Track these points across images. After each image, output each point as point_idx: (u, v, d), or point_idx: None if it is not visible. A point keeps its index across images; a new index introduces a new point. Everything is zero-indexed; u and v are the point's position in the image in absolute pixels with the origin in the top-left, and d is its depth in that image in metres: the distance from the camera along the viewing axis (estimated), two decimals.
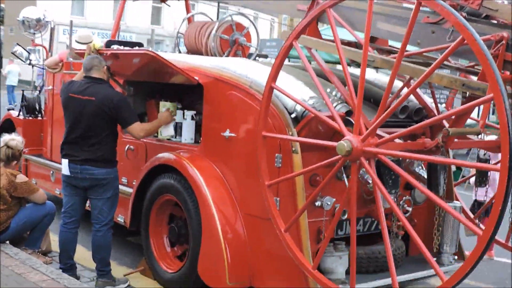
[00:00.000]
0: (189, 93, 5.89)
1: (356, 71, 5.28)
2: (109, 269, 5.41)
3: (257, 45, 7.37)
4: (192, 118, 5.68)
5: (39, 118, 8.55)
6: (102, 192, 5.31)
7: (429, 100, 5.30)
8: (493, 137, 5.68)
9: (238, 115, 5.03)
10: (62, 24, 22.58)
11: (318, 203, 4.56)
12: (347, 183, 4.52)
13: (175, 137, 5.76)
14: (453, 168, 6.28)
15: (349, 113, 4.59)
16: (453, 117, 4.28)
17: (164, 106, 5.78)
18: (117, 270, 5.77)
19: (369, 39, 3.99)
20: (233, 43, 6.75)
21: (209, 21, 7.21)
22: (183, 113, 5.72)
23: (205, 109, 5.35)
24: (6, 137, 5.97)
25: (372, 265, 4.90)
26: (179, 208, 5.40)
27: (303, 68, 5.67)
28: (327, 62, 5.25)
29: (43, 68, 8.66)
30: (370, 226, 5.15)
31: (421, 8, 3.85)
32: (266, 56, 7.94)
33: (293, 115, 4.62)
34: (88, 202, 5.55)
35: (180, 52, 7.61)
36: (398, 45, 5.46)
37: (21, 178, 5.82)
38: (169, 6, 8.23)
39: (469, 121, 4.71)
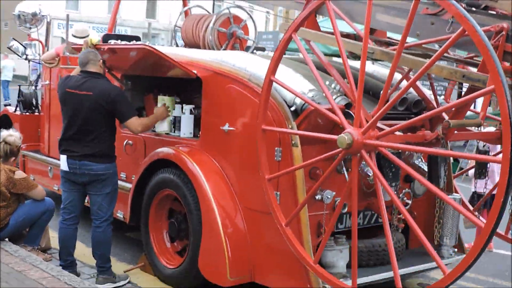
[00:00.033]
0: (187, 87, 5.86)
1: (353, 63, 5.26)
2: (109, 265, 5.39)
3: (255, 38, 7.33)
4: (191, 112, 5.66)
5: (36, 113, 8.50)
6: (101, 188, 5.28)
7: (427, 92, 5.29)
8: (491, 129, 5.68)
9: (237, 108, 5.01)
10: (57, 18, 22.51)
11: (318, 197, 4.54)
12: (347, 176, 4.51)
13: (174, 132, 5.73)
14: (451, 160, 6.27)
15: (348, 105, 4.57)
16: (453, 109, 4.27)
17: (163, 100, 5.76)
18: (117, 266, 5.75)
19: (369, 31, 3.96)
20: (231, 36, 6.70)
21: (206, 14, 7.17)
22: (182, 107, 5.69)
23: (204, 103, 5.32)
24: (4, 133, 5.94)
25: (373, 258, 4.89)
26: (179, 203, 5.39)
27: (301, 61, 5.65)
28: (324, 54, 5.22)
29: (39, 63, 8.62)
30: (370, 219, 5.13)
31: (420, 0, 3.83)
32: (263, 49, 7.88)
33: (292, 108, 4.59)
34: (87, 198, 5.53)
35: (177, 45, 7.57)
36: (396, 36, 5.47)
37: (19, 174, 5.79)
38: None
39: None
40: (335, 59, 5.93)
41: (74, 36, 7.67)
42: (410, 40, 4.68)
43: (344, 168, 4.57)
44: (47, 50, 8.53)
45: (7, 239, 5.70)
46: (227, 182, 5.05)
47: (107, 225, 5.33)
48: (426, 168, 4.83)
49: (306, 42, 4.80)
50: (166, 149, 5.48)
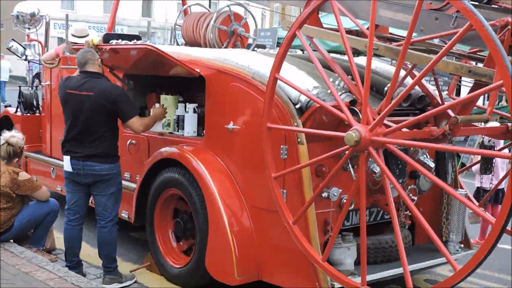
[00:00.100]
0: (190, 85, 5.84)
1: (356, 59, 5.25)
2: (115, 265, 5.38)
3: (256, 36, 7.31)
4: (194, 111, 5.64)
5: (37, 114, 8.48)
6: (105, 188, 5.27)
7: (431, 88, 5.28)
8: (495, 124, 5.67)
9: (241, 106, 4.99)
10: (53, 18, 22.45)
11: (324, 194, 4.53)
12: (353, 174, 4.50)
13: (177, 131, 5.72)
14: None
15: (353, 102, 4.56)
16: None
17: (165, 99, 5.74)
18: (123, 266, 5.73)
19: (374, 28, 3.95)
20: (232, 34, 6.68)
21: (206, 12, 7.14)
22: (185, 106, 5.67)
23: (208, 101, 5.30)
24: (6, 134, 5.91)
25: (380, 255, 4.88)
26: (184, 202, 5.37)
27: (302, 58, 5.64)
28: None
29: (39, 64, 8.59)
30: (376, 216, 5.13)
31: None
32: (264, 47, 7.86)
33: (297, 106, 4.58)
34: (91, 198, 5.51)
35: (178, 44, 7.55)
36: (398, 32, 5.46)
37: (23, 175, 5.76)
38: None
39: None
40: (333, 55, 5.91)
41: (74, 36, 7.65)
42: (413, 35, 4.66)
43: (349, 165, 4.56)
44: (47, 50, 8.50)
45: (12, 241, 5.68)
46: (233, 181, 5.03)
47: (112, 225, 5.32)
48: (431, 164, 4.82)
49: (309, 39, 4.79)
50: (170, 148, 5.46)
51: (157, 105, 5.79)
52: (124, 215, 6.02)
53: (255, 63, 4.99)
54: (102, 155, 5.20)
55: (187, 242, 5.53)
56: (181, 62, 5.28)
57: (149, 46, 5.34)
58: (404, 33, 4.47)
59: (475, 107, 5.83)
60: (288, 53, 4.45)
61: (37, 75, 9.50)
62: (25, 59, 8.77)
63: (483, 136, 5.90)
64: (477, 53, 4.99)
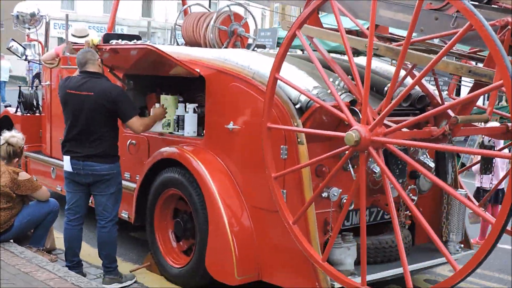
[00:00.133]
0: (190, 85, 5.84)
1: (356, 59, 5.25)
2: (115, 265, 5.38)
3: (256, 36, 7.31)
4: (194, 111, 5.64)
5: (37, 114, 8.48)
6: (105, 188, 5.27)
7: (431, 88, 5.28)
8: (495, 124, 5.67)
9: (241, 106, 4.99)
10: (53, 18, 22.45)
11: (324, 194, 4.53)
12: (353, 174, 4.50)
13: (177, 131, 5.72)
14: None
15: (353, 102, 4.56)
16: None
17: (165, 99, 5.75)
18: (123, 266, 5.73)
19: (374, 28, 3.95)
20: (232, 34, 6.68)
21: (206, 12, 7.15)
22: (185, 106, 5.68)
23: (208, 101, 5.30)
24: (6, 134, 5.91)
25: (380, 255, 4.88)
26: (184, 202, 5.37)
27: (303, 58, 5.64)
28: None
29: (39, 64, 8.59)
30: (376, 216, 5.13)
31: None
32: (264, 47, 7.86)
33: (297, 106, 4.58)
34: (91, 198, 5.51)
35: (178, 44, 7.55)
36: (398, 31, 5.46)
37: (23, 175, 5.77)
38: None
39: None
40: (333, 55, 5.91)
41: (74, 36, 7.65)
42: (413, 35, 4.66)
43: (349, 165, 4.56)
44: (47, 50, 8.50)
45: (12, 241, 5.68)
46: (233, 181, 5.03)
47: (113, 225, 5.32)
48: (431, 164, 4.82)
49: (309, 39, 4.79)
50: (170, 148, 5.47)
51: (157, 105, 5.79)
52: (124, 215, 6.02)
53: (255, 63, 4.99)
54: (102, 155, 5.20)
55: (187, 242, 5.53)
56: (181, 62, 5.29)
57: (149, 46, 5.34)
58: (404, 33, 4.47)
59: (475, 107, 5.84)
60: (288, 53, 4.45)
61: (37, 75, 9.52)
62: (25, 59, 8.76)
63: (483, 136, 5.90)
64: (477, 53, 4.99)
